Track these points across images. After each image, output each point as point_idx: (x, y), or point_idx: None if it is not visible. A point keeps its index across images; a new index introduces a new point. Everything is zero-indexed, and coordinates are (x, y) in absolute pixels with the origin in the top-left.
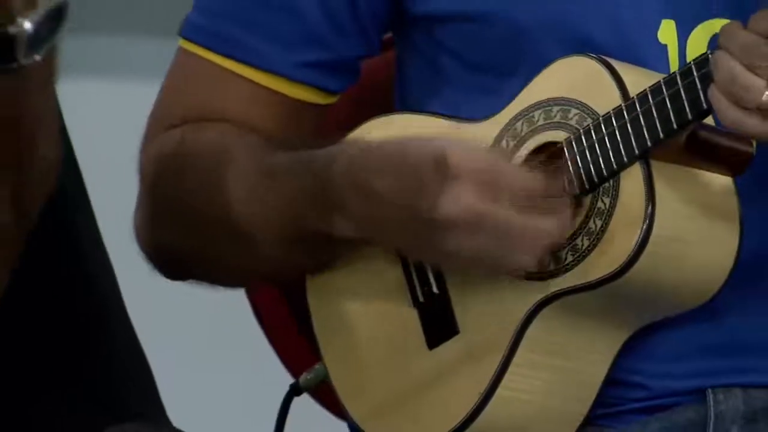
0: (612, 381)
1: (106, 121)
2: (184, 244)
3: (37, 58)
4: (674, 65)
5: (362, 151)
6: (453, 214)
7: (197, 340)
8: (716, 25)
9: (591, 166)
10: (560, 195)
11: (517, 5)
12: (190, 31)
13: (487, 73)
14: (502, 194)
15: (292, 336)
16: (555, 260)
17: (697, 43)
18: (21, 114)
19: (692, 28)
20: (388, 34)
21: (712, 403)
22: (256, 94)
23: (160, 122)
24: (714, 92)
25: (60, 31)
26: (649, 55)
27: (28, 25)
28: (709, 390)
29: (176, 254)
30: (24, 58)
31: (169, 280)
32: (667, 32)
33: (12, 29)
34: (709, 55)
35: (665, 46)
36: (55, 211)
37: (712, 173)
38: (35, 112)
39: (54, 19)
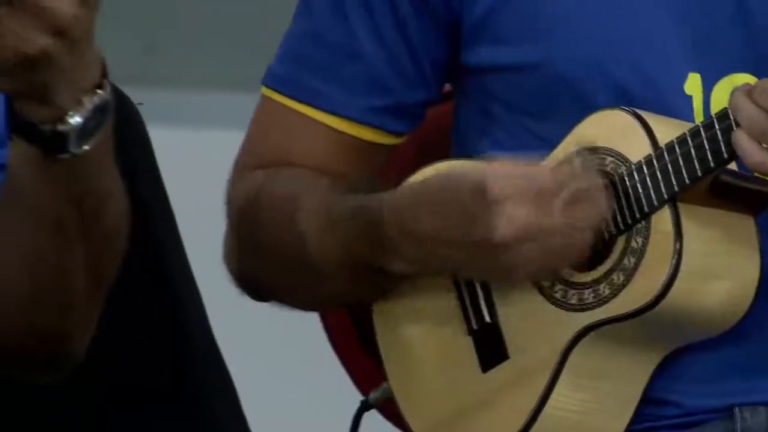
0: (647, 400)
1: (197, 166)
2: (265, 274)
3: (87, 148)
4: (698, 114)
5: (408, 199)
6: (510, 233)
7: (276, 360)
8: (737, 79)
9: (625, 208)
10: (593, 180)
11: (557, 58)
12: (271, 80)
13: (532, 117)
14: (545, 199)
15: (361, 356)
16: (594, 294)
17: (721, 94)
18: (83, 192)
19: (716, 81)
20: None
21: (738, 419)
22: (329, 136)
23: (245, 164)
24: (740, 135)
25: (106, 124)
26: (676, 105)
27: (75, 120)
28: (736, 408)
29: (258, 282)
30: (75, 148)
31: (254, 303)
32: (692, 84)
33: (61, 127)
34: (733, 101)
35: (691, 97)
36: (147, 247)
37: (733, 213)
38: (97, 192)
39: (99, 115)
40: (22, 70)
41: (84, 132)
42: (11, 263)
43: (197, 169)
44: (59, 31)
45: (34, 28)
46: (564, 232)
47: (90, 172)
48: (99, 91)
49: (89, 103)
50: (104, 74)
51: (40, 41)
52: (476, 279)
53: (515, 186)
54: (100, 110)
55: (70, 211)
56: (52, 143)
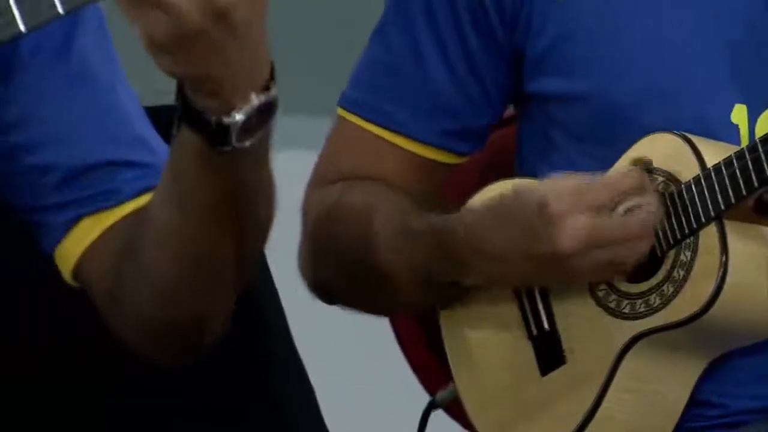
0: (694, 402)
1: (279, 188)
2: (338, 281)
3: (248, 143)
4: (744, 141)
5: (478, 219)
6: (571, 245)
7: (348, 362)
8: None
9: (675, 225)
10: (645, 187)
11: (611, 88)
12: (347, 103)
13: (588, 142)
14: (602, 211)
15: (428, 358)
16: (645, 304)
17: (765, 124)
18: (239, 184)
19: (761, 112)
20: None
21: None
22: (400, 155)
23: (321, 179)
24: None
25: (271, 122)
26: (723, 133)
27: (240, 116)
28: None
29: (331, 288)
30: (237, 143)
31: (327, 308)
32: (738, 114)
33: (226, 120)
34: None
35: (737, 125)
36: None
37: None
38: (252, 184)
39: (264, 113)
40: (185, 52)
41: (247, 128)
42: (169, 250)
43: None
44: (218, 14)
45: (193, 6)
46: (622, 238)
47: (248, 166)
48: (267, 91)
49: (256, 100)
50: (272, 75)
51: (197, 19)
52: (543, 287)
53: (573, 200)
54: (265, 109)
55: (227, 202)
56: (216, 135)
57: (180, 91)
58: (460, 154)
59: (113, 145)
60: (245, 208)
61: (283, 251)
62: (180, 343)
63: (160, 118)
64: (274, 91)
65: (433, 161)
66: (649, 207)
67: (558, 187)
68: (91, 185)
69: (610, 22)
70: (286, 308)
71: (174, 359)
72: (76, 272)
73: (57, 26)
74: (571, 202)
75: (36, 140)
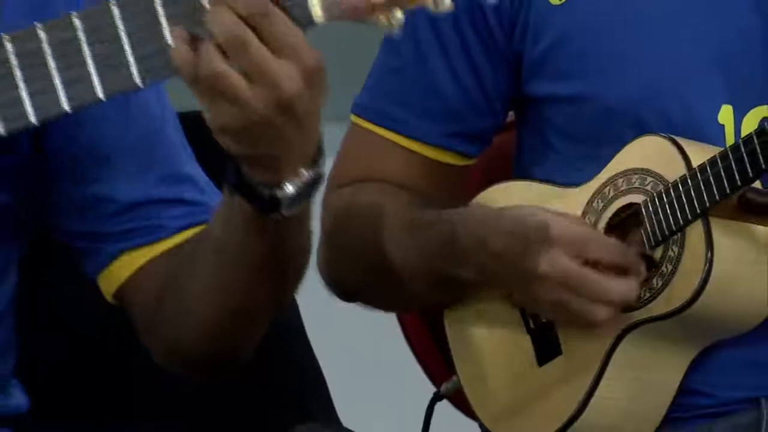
0: (683, 390)
1: None
2: (352, 278)
3: (296, 211)
4: (730, 141)
5: (482, 217)
6: (548, 272)
7: (359, 355)
8: (765, 110)
9: (663, 222)
10: (634, 261)
11: (606, 90)
12: (359, 110)
13: (583, 143)
14: (588, 258)
15: (433, 352)
16: (640, 295)
17: (750, 124)
18: (283, 244)
19: (746, 112)
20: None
21: (765, 410)
22: (409, 158)
23: (336, 181)
24: None
25: (315, 194)
26: (710, 133)
27: (290, 189)
28: (763, 399)
29: (346, 284)
30: (286, 211)
31: (342, 304)
32: (725, 115)
33: (278, 193)
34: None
35: (723, 126)
36: None
37: (758, 225)
38: (295, 242)
39: (311, 185)
40: (248, 137)
41: (296, 199)
42: (213, 296)
43: None
44: (284, 106)
45: (261, 99)
46: (591, 292)
47: (293, 229)
48: (315, 165)
49: (306, 174)
50: (320, 150)
51: (263, 111)
52: (515, 299)
53: (571, 239)
54: (313, 182)
55: (271, 259)
56: (267, 204)
57: (234, 162)
58: (465, 155)
59: (165, 182)
60: (287, 262)
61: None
62: (213, 367)
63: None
64: (321, 165)
65: (440, 162)
66: (630, 290)
67: (564, 221)
68: (141, 219)
69: (603, 28)
70: (301, 306)
71: (206, 379)
72: (118, 295)
73: None
74: (568, 238)
75: (98, 173)
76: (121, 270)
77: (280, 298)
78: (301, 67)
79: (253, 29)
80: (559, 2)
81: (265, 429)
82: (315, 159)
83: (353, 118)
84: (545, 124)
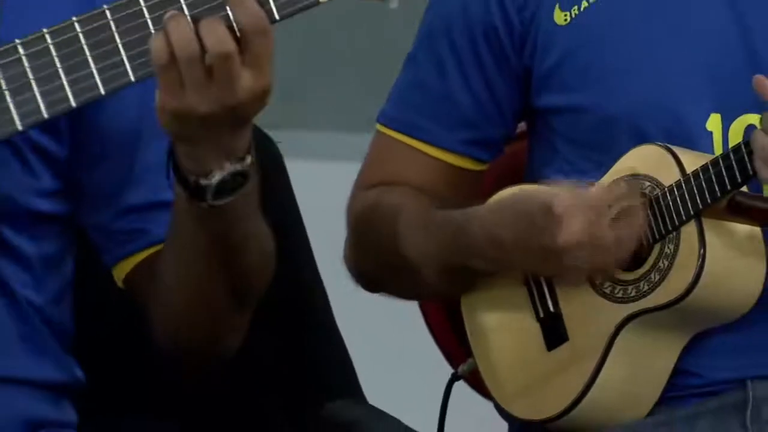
0: (677, 372)
1: (322, 188)
2: (375, 271)
3: (224, 202)
4: (717, 146)
5: (490, 213)
6: (567, 241)
7: (383, 340)
8: (750, 118)
9: (660, 222)
10: (634, 200)
11: (606, 102)
12: (384, 119)
13: (587, 149)
14: (596, 215)
15: (451, 337)
16: (638, 287)
17: (736, 130)
18: (224, 235)
19: (733, 120)
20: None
21: (750, 389)
22: (429, 163)
23: (362, 185)
24: (757, 160)
25: (245, 186)
26: (700, 139)
27: (215, 179)
28: (748, 380)
29: (369, 276)
30: (211, 201)
31: (366, 294)
32: (713, 123)
33: (203, 181)
34: (752, 134)
35: (711, 132)
36: (284, 255)
37: (746, 225)
38: (238, 235)
39: (238, 178)
40: (186, 124)
41: (221, 189)
42: (174, 284)
43: (322, 190)
44: (231, 105)
45: (212, 94)
46: (610, 242)
47: (231, 219)
48: (242, 161)
49: (230, 168)
50: (250, 147)
51: (206, 107)
52: (542, 275)
53: (574, 204)
54: (240, 175)
55: (215, 249)
56: (195, 192)
57: (171, 156)
58: (480, 160)
59: (161, 188)
60: (234, 255)
61: (330, 246)
62: (200, 354)
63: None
64: (247, 162)
65: (457, 167)
66: (635, 216)
67: (561, 192)
68: (143, 221)
69: (603, 47)
70: (330, 295)
71: (198, 366)
72: (125, 284)
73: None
74: (571, 205)
75: (115, 179)
76: (125, 264)
77: (236, 291)
78: (260, 83)
79: (242, 39)
80: (564, 23)
81: (298, 406)
82: (241, 157)
83: (379, 127)
84: (552, 133)
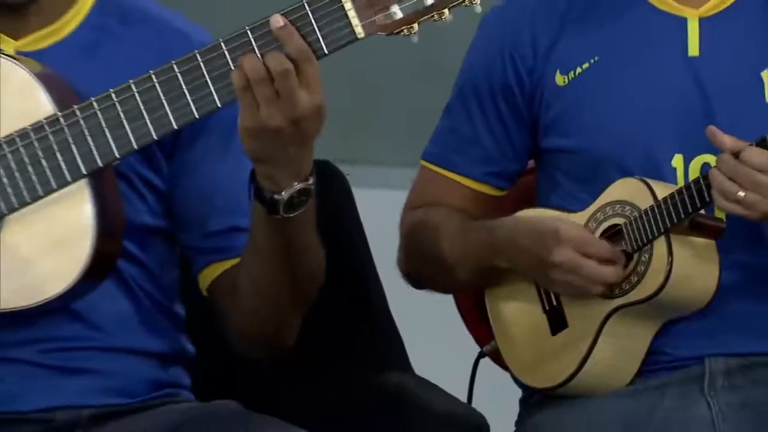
0: (651, 351)
1: (381, 211)
2: (420, 272)
3: (292, 215)
4: (680, 179)
5: (514, 223)
6: (560, 261)
7: (426, 324)
8: (706, 158)
9: (637, 237)
10: (618, 256)
11: (596, 145)
12: (426, 156)
13: (580, 181)
14: (587, 253)
15: (479, 322)
16: (622, 287)
17: (695, 167)
18: (290, 243)
19: (692, 159)
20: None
21: (707, 364)
22: (460, 189)
23: (410, 206)
24: (714, 191)
25: (308, 202)
26: (667, 174)
27: (285, 195)
28: (705, 358)
29: (417, 276)
30: (283, 213)
31: (414, 290)
32: (677, 161)
33: (276, 196)
34: (709, 171)
35: (675, 169)
36: (351, 262)
37: (703, 239)
38: (300, 243)
39: (303, 195)
40: (265, 141)
41: (290, 204)
42: (250, 286)
43: (381, 213)
44: (293, 119)
45: (279, 108)
46: (589, 275)
47: (296, 229)
48: (305, 181)
49: (297, 186)
50: (312, 171)
51: (278, 120)
52: (537, 282)
53: (576, 239)
54: (303, 192)
55: (282, 254)
56: (270, 206)
57: (253, 178)
58: (499, 188)
59: (242, 213)
60: (296, 259)
61: (388, 253)
62: (264, 348)
63: None
64: (310, 182)
65: (481, 193)
66: (616, 274)
67: (570, 226)
68: (220, 239)
69: (593, 102)
70: (388, 291)
71: (262, 356)
72: (208, 292)
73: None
74: (573, 237)
75: (202, 209)
76: (208, 275)
77: (296, 291)
78: (314, 100)
79: (295, 66)
80: (563, 84)
81: (362, 375)
82: (305, 177)
83: (423, 162)
84: (555, 168)
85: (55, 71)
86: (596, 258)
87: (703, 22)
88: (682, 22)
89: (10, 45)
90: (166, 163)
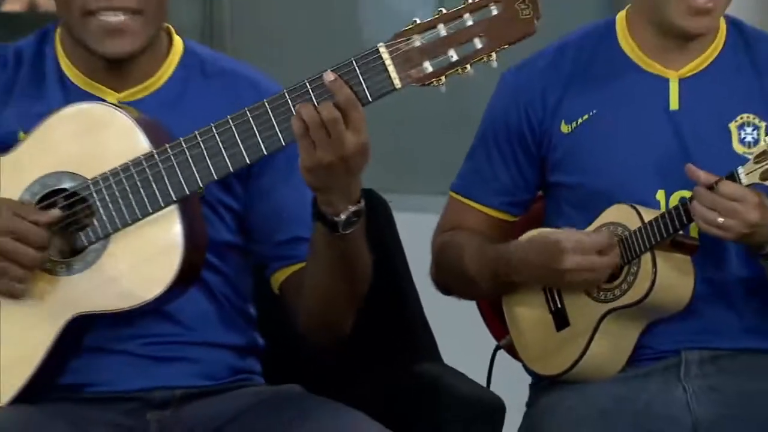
0: (638, 346)
1: (416, 233)
2: (448, 282)
3: (348, 231)
4: (663, 209)
5: (523, 245)
6: (570, 266)
7: (453, 322)
8: (683, 192)
9: (628, 252)
10: (613, 243)
11: (592, 182)
12: (455, 188)
13: (580, 209)
14: (588, 253)
15: (496, 320)
16: (614, 293)
17: (674, 200)
18: (346, 254)
19: (672, 194)
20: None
21: (683, 357)
22: (482, 216)
23: (440, 229)
24: (697, 219)
25: (360, 221)
26: (652, 205)
27: (342, 217)
28: (682, 351)
29: (445, 286)
30: (342, 230)
31: (443, 296)
32: (660, 195)
33: (335, 218)
34: (687, 203)
35: (659, 201)
36: (391, 276)
37: (681, 255)
38: (354, 254)
39: (355, 216)
40: (323, 173)
41: (347, 223)
42: (313, 289)
43: (417, 233)
44: (344, 156)
45: (332, 148)
46: (592, 270)
47: (350, 244)
48: (357, 204)
49: (351, 208)
50: (361, 196)
51: (330, 157)
52: (551, 286)
53: (575, 245)
54: (356, 214)
55: (340, 264)
56: (331, 226)
57: (315, 203)
58: (513, 215)
59: (304, 226)
60: (349, 265)
61: (422, 266)
62: (326, 337)
63: None
64: (361, 205)
65: (499, 219)
66: (612, 249)
67: (569, 235)
68: (287, 248)
69: (591, 147)
70: (422, 297)
71: (324, 345)
72: (279, 291)
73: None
74: (573, 245)
75: (271, 224)
76: (278, 277)
77: (352, 293)
78: (360, 140)
79: (343, 113)
80: (567, 132)
81: (399, 365)
82: (357, 201)
83: (451, 193)
84: (559, 199)
85: (150, 117)
86: (595, 251)
87: (682, 81)
88: (665, 81)
89: (114, 97)
90: (241, 189)
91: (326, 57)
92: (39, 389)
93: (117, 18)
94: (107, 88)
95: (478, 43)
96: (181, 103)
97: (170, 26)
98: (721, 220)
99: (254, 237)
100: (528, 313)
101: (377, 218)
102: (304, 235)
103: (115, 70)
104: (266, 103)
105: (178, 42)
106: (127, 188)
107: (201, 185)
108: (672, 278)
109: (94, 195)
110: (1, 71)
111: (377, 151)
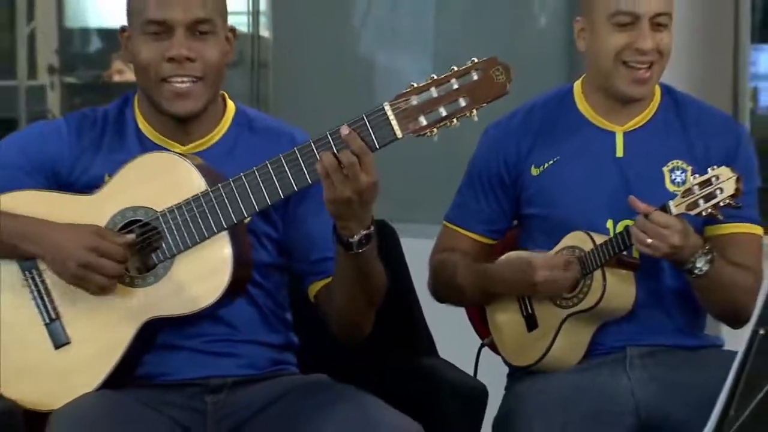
0: (592, 343)
1: (417, 254)
2: (442, 293)
3: (361, 251)
4: (612, 235)
5: (501, 264)
6: (541, 280)
7: (446, 324)
8: (627, 222)
9: (584, 268)
10: (571, 261)
11: (555, 215)
12: (447, 218)
13: (545, 235)
14: (555, 269)
15: (481, 323)
16: (573, 301)
17: (620, 227)
18: (362, 269)
19: (618, 222)
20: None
21: (628, 352)
22: (469, 241)
23: (436, 251)
24: (633, 239)
25: (371, 243)
26: (602, 232)
27: (356, 239)
28: (627, 347)
29: (440, 296)
30: (356, 250)
31: (437, 303)
32: (609, 224)
33: (350, 240)
34: (629, 229)
35: (609, 228)
36: (400, 287)
37: (626, 271)
38: (368, 270)
39: (367, 239)
40: (341, 205)
41: (360, 244)
42: (338, 300)
43: (418, 254)
44: (358, 192)
45: (348, 186)
46: (557, 281)
47: (364, 261)
48: (368, 229)
49: (364, 232)
50: (372, 221)
51: (348, 193)
52: (525, 296)
53: (544, 263)
54: (367, 237)
55: (358, 278)
56: (347, 246)
57: (335, 230)
58: (494, 239)
59: (331, 247)
60: (366, 277)
61: (422, 280)
62: (351, 335)
63: None
64: (372, 229)
65: (482, 243)
66: (573, 266)
67: (539, 255)
68: (319, 266)
69: (553, 186)
70: (423, 304)
71: (350, 341)
72: (314, 300)
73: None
74: (543, 264)
75: (304, 247)
76: (312, 289)
77: (370, 301)
78: (371, 179)
79: (358, 158)
80: (536, 174)
81: (405, 357)
82: (368, 226)
83: (444, 222)
84: (530, 227)
85: (208, 163)
86: (559, 267)
87: (626, 135)
88: (613, 135)
89: (180, 149)
90: (280, 220)
91: (344, 114)
92: (120, 378)
93: (184, 84)
94: (175, 142)
95: (462, 102)
96: (233, 153)
97: (225, 93)
98: (650, 241)
99: (293, 257)
100: (506, 318)
101: (387, 243)
102: (331, 255)
103: (182, 127)
104: (297, 150)
105: (231, 105)
106: (188, 219)
107: (246, 215)
108: (618, 289)
109: (163, 224)
110: (92, 129)
111: (387, 188)
